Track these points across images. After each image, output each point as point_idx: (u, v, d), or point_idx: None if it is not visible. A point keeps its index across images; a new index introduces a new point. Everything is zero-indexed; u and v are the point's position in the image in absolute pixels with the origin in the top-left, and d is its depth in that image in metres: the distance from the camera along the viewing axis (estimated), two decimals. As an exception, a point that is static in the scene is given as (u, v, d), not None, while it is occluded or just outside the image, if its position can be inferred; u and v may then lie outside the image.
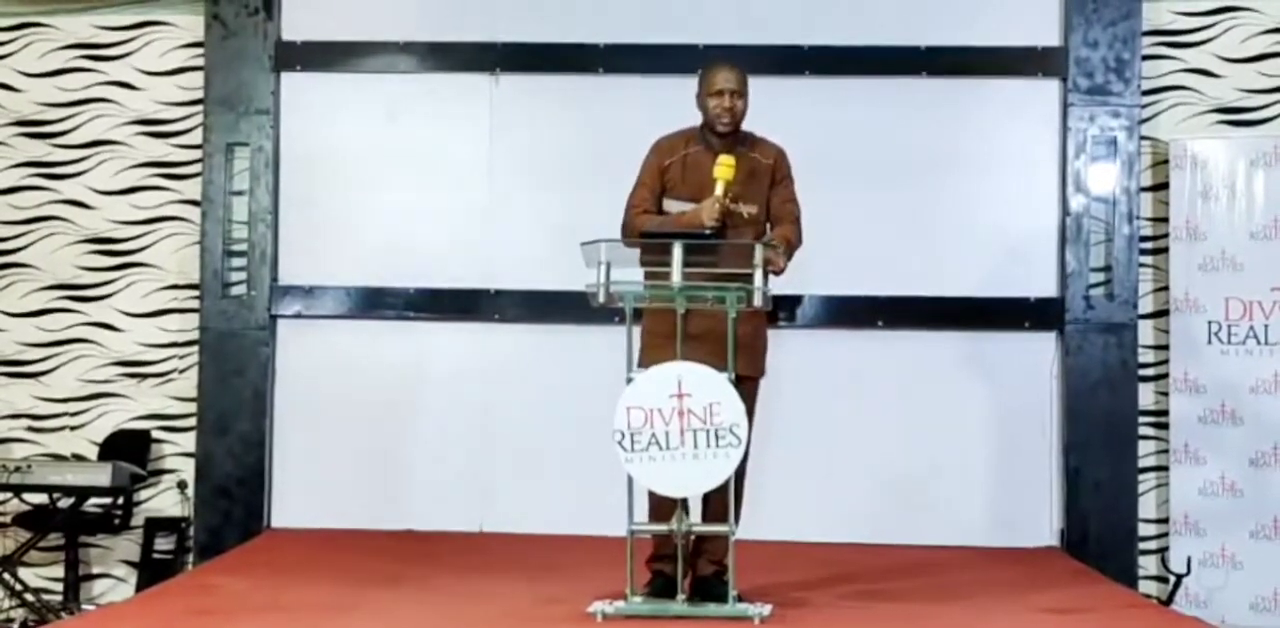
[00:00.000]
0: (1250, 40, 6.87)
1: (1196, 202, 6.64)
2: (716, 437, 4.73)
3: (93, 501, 6.55)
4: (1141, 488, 6.69)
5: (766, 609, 4.79)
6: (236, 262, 6.89)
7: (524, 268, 6.78)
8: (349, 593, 5.36)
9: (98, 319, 7.05)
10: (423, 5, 6.98)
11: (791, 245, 5.10)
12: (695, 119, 5.25)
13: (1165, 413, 6.65)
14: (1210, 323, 6.57)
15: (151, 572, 6.70)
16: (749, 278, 4.78)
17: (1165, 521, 6.64)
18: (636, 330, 5.06)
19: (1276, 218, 6.58)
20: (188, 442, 6.93)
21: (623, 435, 4.76)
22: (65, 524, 6.62)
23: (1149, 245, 6.80)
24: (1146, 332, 6.75)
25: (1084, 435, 6.63)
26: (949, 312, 6.71)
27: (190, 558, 6.78)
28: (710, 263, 4.84)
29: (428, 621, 4.97)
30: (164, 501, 6.96)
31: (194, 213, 6.97)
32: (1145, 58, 6.77)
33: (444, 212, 6.89)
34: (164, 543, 6.83)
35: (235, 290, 6.88)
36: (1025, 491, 6.69)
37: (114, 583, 6.98)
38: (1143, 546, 6.66)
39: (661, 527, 4.86)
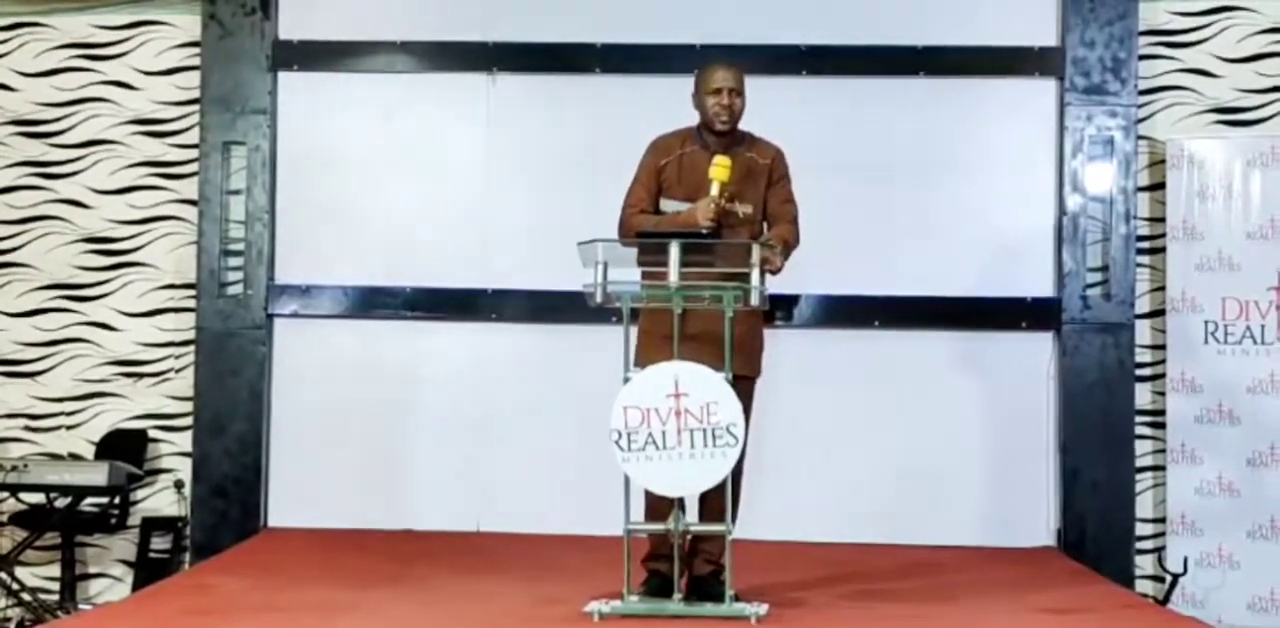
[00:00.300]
0: (1247, 40, 6.87)
1: (1193, 201, 6.64)
2: (713, 436, 4.73)
3: (89, 500, 6.55)
4: (1138, 488, 6.69)
5: (763, 609, 4.79)
6: (233, 261, 6.89)
7: (521, 267, 6.78)
8: (346, 593, 5.35)
9: (94, 319, 7.04)
10: (420, 5, 6.98)
11: (789, 245, 5.10)
12: (692, 119, 5.25)
13: (1162, 413, 6.65)
14: (1207, 323, 6.57)
15: (148, 571, 6.69)
16: (746, 278, 4.78)
17: (1162, 520, 6.64)
18: (633, 330, 5.06)
19: (1273, 218, 6.58)
20: (184, 441, 6.92)
21: (620, 435, 4.76)
22: (62, 524, 6.61)
23: (1146, 245, 6.80)
24: (1143, 331, 6.75)
25: (1081, 435, 6.63)
26: (946, 312, 6.71)
27: (187, 558, 6.77)
28: (707, 262, 4.84)
29: (425, 620, 4.97)
30: (160, 500, 6.96)
31: (191, 212, 6.96)
32: (1142, 57, 6.76)
33: (441, 211, 6.89)
34: (160, 543, 6.82)
35: (232, 290, 6.87)
36: (1022, 490, 6.68)
37: (110, 583, 6.97)
38: (1140, 545, 6.66)
39: (658, 526, 4.86)
